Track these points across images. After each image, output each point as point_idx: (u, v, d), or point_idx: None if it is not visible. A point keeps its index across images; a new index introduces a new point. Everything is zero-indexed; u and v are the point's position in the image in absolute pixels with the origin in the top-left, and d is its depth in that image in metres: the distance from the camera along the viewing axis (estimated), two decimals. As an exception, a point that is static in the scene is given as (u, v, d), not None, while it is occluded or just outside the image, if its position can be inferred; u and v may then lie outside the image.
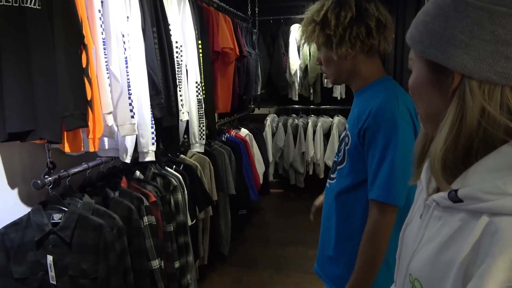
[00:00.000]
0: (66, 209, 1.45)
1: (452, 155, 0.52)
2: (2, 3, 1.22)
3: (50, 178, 1.41)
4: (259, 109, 4.55)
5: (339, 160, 1.18)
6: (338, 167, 1.18)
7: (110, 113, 1.42)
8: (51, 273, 1.42)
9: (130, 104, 1.53)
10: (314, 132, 4.27)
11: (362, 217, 1.11)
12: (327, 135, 4.32)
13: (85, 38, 1.29)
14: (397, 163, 1.01)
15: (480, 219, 0.47)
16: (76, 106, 1.26)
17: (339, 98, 4.19)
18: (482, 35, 0.49)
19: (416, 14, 0.60)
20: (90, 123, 1.33)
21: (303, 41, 1.16)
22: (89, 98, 1.31)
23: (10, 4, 1.22)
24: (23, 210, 1.60)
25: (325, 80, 4.22)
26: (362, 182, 1.09)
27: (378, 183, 1.03)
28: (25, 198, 1.62)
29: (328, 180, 1.27)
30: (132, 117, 1.53)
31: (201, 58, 2.31)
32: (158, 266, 1.72)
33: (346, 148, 1.13)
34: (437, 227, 0.55)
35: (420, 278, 0.55)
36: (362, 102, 1.13)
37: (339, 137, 4.16)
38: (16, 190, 1.58)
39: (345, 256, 1.17)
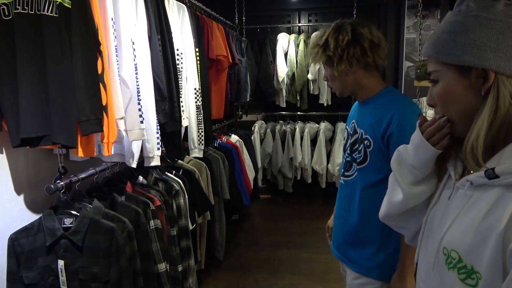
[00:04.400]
0: (77, 214, 1.46)
1: (488, 140, 0.64)
2: (19, 11, 1.24)
3: (62, 183, 1.42)
4: (247, 115, 4.62)
5: (359, 160, 1.35)
6: (358, 166, 1.36)
7: (122, 118, 1.45)
8: (62, 278, 1.42)
9: (140, 110, 1.56)
10: (302, 138, 4.36)
11: None
12: (313, 141, 4.42)
13: (101, 45, 1.32)
14: None
15: None
16: (92, 111, 1.29)
17: (325, 104, 4.30)
18: (506, 40, 0.64)
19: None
20: (105, 128, 1.35)
21: (311, 61, 1.38)
22: (104, 104, 1.34)
23: (26, 12, 1.25)
24: (29, 216, 1.60)
25: (312, 87, 4.34)
26: (385, 177, 1.20)
27: None
28: (30, 204, 1.61)
29: (342, 178, 1.46)
30: (141, 122, 1.57)
31: (198, 65, 2.36)
32: (164, 269, 1.74)
33: (369, 150, 1.31)
34: (470, 203, 0.65)
35: (458, 248, 0.64)
36: (374, 109, 1.32)
37: (325, 142, 4.31)
38: (21, 197, 1.58)
39: (372, 239, 1.33)
